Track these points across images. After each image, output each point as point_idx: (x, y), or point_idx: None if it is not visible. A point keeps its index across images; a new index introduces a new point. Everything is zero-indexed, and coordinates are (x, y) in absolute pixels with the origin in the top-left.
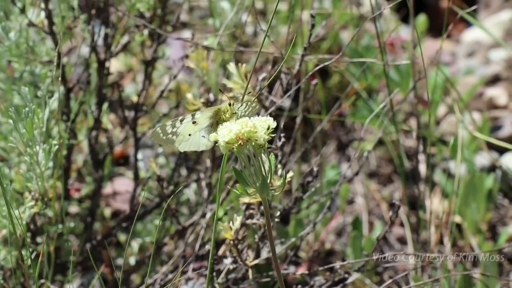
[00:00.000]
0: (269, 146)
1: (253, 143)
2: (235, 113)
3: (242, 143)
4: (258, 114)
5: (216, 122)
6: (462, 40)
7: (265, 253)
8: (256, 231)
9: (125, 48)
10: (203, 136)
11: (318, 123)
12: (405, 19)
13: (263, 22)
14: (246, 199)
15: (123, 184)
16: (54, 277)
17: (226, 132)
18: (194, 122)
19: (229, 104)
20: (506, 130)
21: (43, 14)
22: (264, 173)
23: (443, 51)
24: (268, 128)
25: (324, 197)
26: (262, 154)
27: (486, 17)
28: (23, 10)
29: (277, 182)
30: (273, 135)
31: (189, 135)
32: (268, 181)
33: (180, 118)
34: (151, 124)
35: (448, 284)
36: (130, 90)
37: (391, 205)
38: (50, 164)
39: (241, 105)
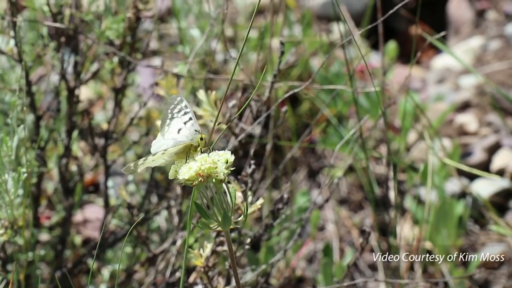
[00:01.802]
0: (238, 175)
1: (213, 179)
2: (207, 146)
3: (202, 180)
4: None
5: (186, 153)
6: (432, 66)
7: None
8: (227, 258)
9: (95, 75)
10: (163, 159)
11: (289, 150)
12: (375, 46)
13: (233, 49)
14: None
15: (93, 211)
16: None
17: (186, 170)
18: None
19: (201, 139)
20: (476, 156)
21: (12, 42)
22: (225, 207)
23: (414, 78)
24: (227, 162)
25: (294, 224)
26: (224, 187)
27: (456, 44)
28: None
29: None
30: (233, 168)
31: (153, 160)
32: (230, 214)
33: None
34: (121, 152)
35: None
36: (100, 117)
37: (362, 232)
38: (20, 192)
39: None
